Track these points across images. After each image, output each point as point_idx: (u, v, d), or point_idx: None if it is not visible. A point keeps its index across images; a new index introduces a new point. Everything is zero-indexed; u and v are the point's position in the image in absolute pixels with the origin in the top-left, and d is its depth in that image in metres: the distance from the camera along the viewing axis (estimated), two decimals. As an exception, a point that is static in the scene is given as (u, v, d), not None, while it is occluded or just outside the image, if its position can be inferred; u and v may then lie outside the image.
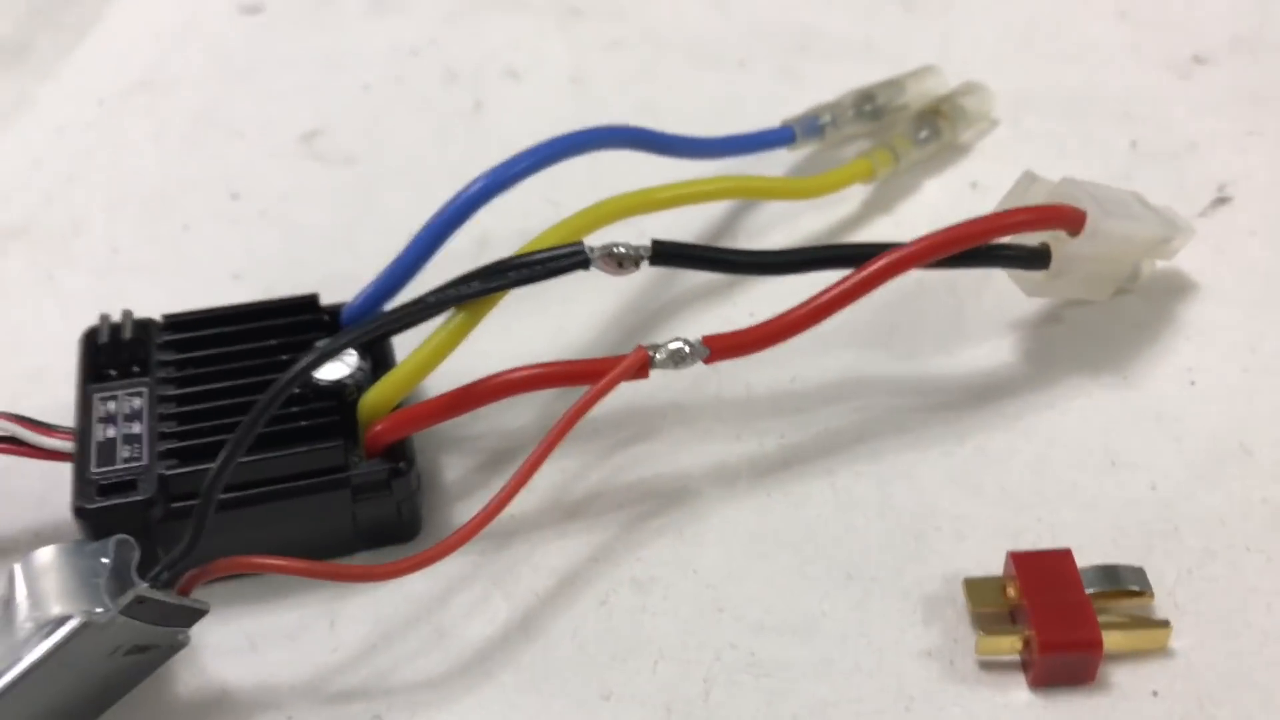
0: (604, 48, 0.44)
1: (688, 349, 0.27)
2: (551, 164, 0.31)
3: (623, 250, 0.28)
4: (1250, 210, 0.35)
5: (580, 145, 0.32)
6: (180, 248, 0.37)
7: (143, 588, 0.24)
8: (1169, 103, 0.39)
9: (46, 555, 0.25)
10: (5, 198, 0.39)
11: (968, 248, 0.28)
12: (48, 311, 0.35)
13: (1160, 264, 0.33)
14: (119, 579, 0.24)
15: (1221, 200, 0.36)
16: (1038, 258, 0.29)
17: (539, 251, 0.28)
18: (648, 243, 0.28)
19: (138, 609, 0.24)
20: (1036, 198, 0.30)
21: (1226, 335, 0.32)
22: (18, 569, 0.25)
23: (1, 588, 0.25)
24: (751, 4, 0.45)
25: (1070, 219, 0.29)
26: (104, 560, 0.25)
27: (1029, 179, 0.31)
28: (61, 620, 0.23)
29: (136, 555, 0.25)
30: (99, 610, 0.23)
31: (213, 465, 0.24)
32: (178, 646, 0.26)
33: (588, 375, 0.27)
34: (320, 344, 0.27)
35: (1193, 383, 0.31)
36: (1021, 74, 0.41)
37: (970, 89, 0.39)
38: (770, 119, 0.37)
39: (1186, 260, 0.34)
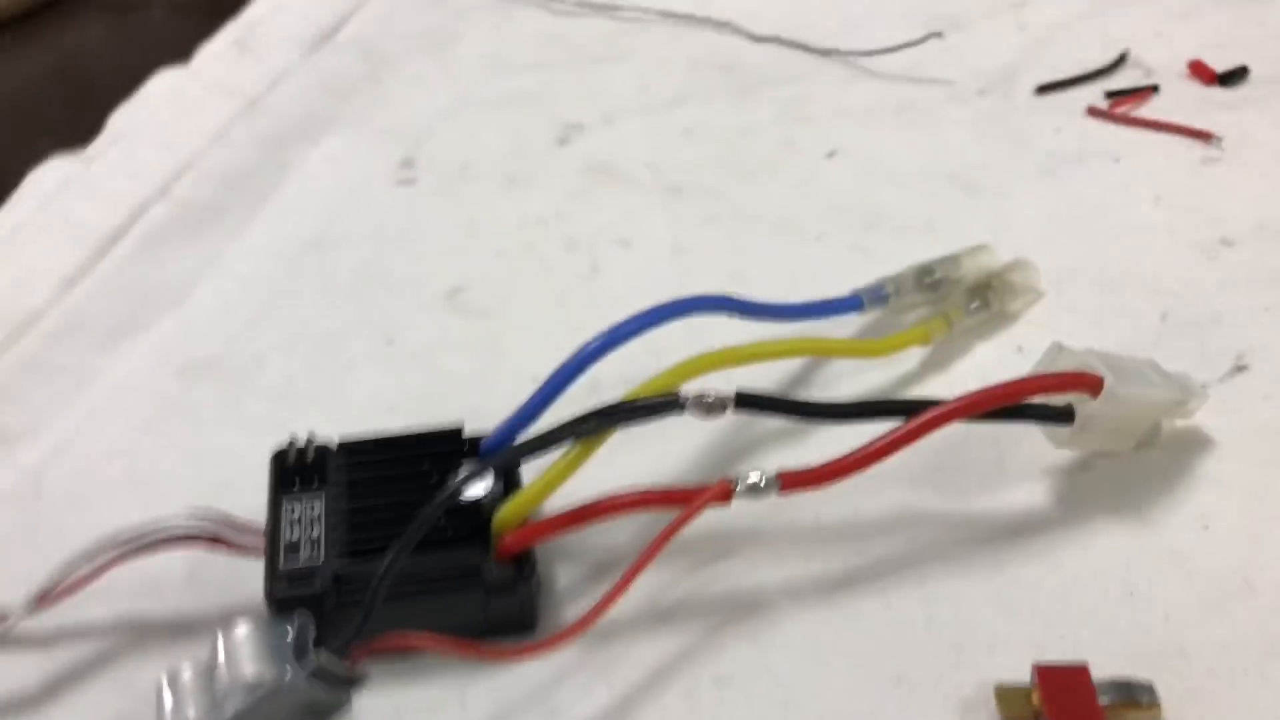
0: (700, 222, 0.51)
1: (763, 482, 0.33)
2: (656, 326, 0.38)
3: (710, 399, 0.34)
4: (1265, 377, 0.40)
5: (680, 311, 0.38)
6: (344, 383, 0.45)
7: (324, 656, 0.30)
8: (1197, 280, 0.44)
9: (242, 628, 0.31)
10: (202, 337, 0.47)
11: (1001, 405, 0.34)
12: (234, 433, 0.43)
13: (1180, 423, 0.38)
14: (300, 648, 0.31)
15: (1240, 368, 0.41)
16: (1063, 415, 0.35)
17: (642, 398, 0.34)
18: (733, 391, 0.34)
19: (320, 673, 0.30)
20: (1063, 365, 0.36)
21: (1239, 487, 0.37)
22: (219, 638, 0.31)
23: (205, 654, 0.32)
24: (829, 186, 0.52)
25: (1089, 384, 0.34)
26: (287, 635, 0.31)
27: (1056, 349, 0.36)
28: (261, 681, 0.30)
29: (314, 631, 0.31)
30: (289, 674, 0.30)
31: (381, 563, 0.31)
32: (341, 707, 0.32)
33: (679, 501, 0.33)
34: (467, 467, 0.34)
35: (1206, 527, 0.36)
36: (1066, 252, 0.46)
37: (1018, 265, 0.44)
38: (841, 287, 0.43)
39: (1208, 420, 0.39)
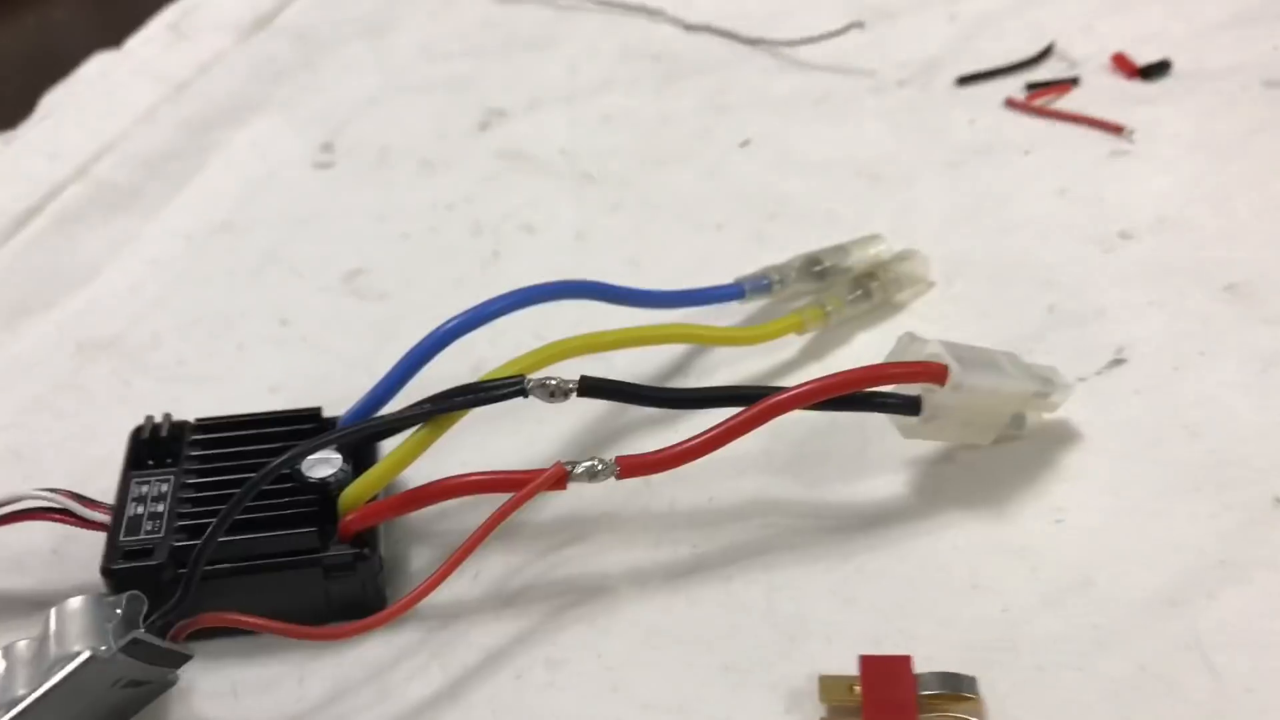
0: (607, 209, 0.51)
1: (600, 466, 0.33)
2: (523, 308, 0.38)
3: (554, 383, 0.34)
4: (1140, 371, 0.40)
5: (548, 294, 0.39)
6: (233, 364, 0.45)
7: (139, 632, 0.30)
8: (1089, 273, 0.44)
9: (74, 604, 0.31)
10: (105, 316, 0.48)
11: (845, 393, 0.34)
12: (120, 410, 0.43)
13: (1047, 415, 0.38)
14: (126, 625, 0.31)
15: (1117, 361, 0.40)
16: (910, 405, 0.35)
17: (487, 381, 0.34)
18: (576, 377, 0.34)
19: (134, 649, 0.30)
20: (914, 355, 0.35)
21: (1097, 481, 0.36)
22: (51, 613, 0.31)
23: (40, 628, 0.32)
24: (738, 176, 0.52)
25: (934, 373, 0.34)
26: (117, 610, 0.31)
27: (908, 338, 0.36)
28: (76, 655, 0.30)
29: (144, 608, 0.31)
30: (104, 648, 0.30)
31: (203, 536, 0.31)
32: (168, 684, 0.32)
33: (514, 484, 0.33)
34: (299, 446, 0.34)
35: (1059, 520, 0.35)
36: (962, 243, 0.46)
37: (907, 255, 0.44)
38: (734, 277, 0.44)
39: (1078, 413, 0.38)
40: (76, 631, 0.31)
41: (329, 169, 0.55)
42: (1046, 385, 0.36)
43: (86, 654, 0.29)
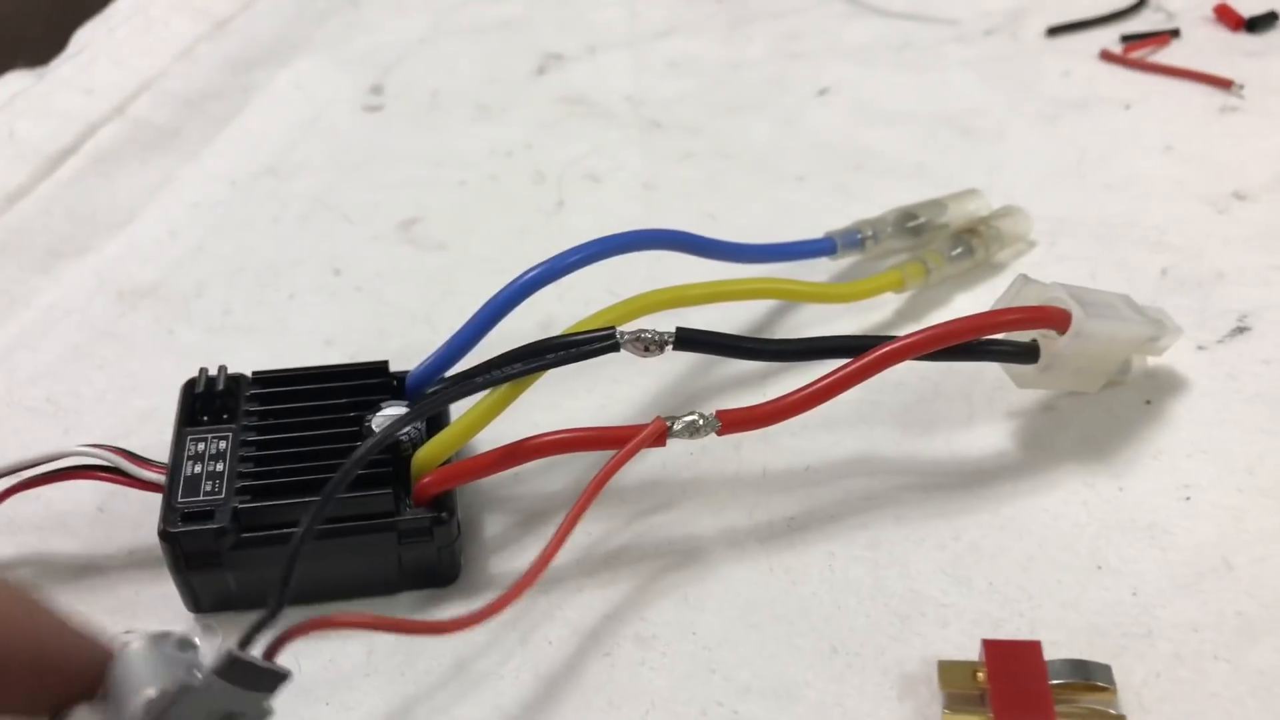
0: (677, 159, 0.48)
1: (701, 421, 0.30)
2: (601, 259, 0.35)
3: (649, 335, 0.31)
4: (1267, 340, 0.37)
5: (629, 244, 0.36)
6: (284, 314, 0.42)
7: (233, 648, 0.25)
8: (1203, 234, 0.41)
9: (135, 649, 0.25)
10: (144, 261, 0.45)
11: (960, 342, 0.31)
12: (164, 361, 0.40)
13: (1152, 361, 0.35)
14: (195, 656, 0.25)
15: (1240, 329, 0.37)
16: (1028, 353, 0.32)
17: (575, 334, 0.31)
18: (672, 329, 0.32)
19: (230, 670, 0.24)
20: (1029, 300, 0.32)
21: (1228, 457, 0.34)
22: (111, 667, 0.25)
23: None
24: (816, 126, 0.49)
25: (1056, 319, 0.31)
26: (194, 642, 0.25)
27: (1022, 281, 0.33)
28: (162, 696, 0.24)
29: (219, 637, 0.26)
30: (197, 673, 0.24)
31: (294, 532, 0.27)
32: (265, 715, 0.26)
33: (612, 441, 0.30)
34: (391, 411, 0.31)
35: (1188, 498, 0.33)
36: (1064, 201, 0.43)
37: (1009, 212, 0.41)
38: (819, 231, 0.41)
39: (1203, 383, 0.36)
40: (149, 675, 0.24)
41: (378, 112, 0.52)
42: (1159, 329, 0.34)
43: (179, 684, 0.24)
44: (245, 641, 0.25)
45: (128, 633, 0.25)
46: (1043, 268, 0.41)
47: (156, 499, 0.32)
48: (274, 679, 0.26)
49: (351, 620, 0.27)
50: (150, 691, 0.24)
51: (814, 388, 0.31)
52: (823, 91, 0.50)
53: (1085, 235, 0.42)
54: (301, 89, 0.54)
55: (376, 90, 0.53)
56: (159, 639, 0.25)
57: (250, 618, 0.28)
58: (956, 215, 0.41)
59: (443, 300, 0.42)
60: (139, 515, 0.34)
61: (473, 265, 0.44)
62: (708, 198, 0.46)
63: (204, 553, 0.30)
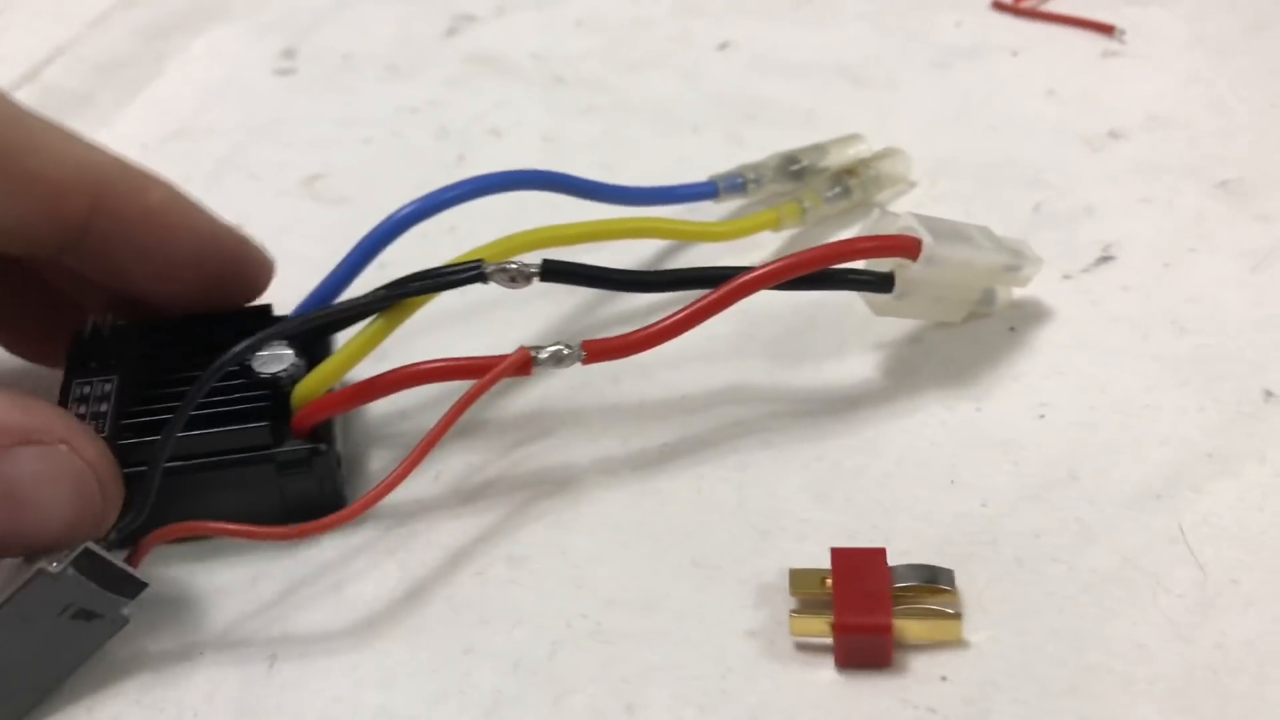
0: (578, 113, 0.49)
1: (566, 350, 0.31)
2: (477, 197, 0.36)
3: (515, 267, 0.32)
4: (1129, 268, 0.38)
5: (506, 183, 0.37)
6: (186, 268, 0.43)
7: (90, 544, 0.27)
8: (1077, 172, 0.42)
9: None
10: (52, 223, 0.46)
11: (814, 270, 0.32)
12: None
13: (1017, 292, 0.37)
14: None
15: (1105, 259, 0.39)
16: (884, 281, 0.33)
17: (444, 266, 0.32)
18: (539, 260, 0.33)
19: (86, 565, 0.27)
20: (884, 231, 0.34)
21: (1083, 377, 0.35)
22: None
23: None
24: (715, 79, 0.50)
25: (906, 246, 0.32)
26: None
27: (879, 213, 0.34)
28: (21, 576, 0.26)
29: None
30: (54, 564, 0.27)
31: (159, 436, 0.29)
32: (120, 623, 0.29)
33: (477, 370, 0.31)
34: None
35: (1042, 416, 0.34)
36: (948, 144, 0.44)
37: (889, 154, 0.42)
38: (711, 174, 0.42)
39: (1065, 309, 0.37)
40: (14, 562, 0.27)
41: (290, 75, 0.53)
42: (1018, 258, 0.35)
43: (34, 569, 0.27)
44: (105, 541, 0.27)
45: None
46: (920, 206, 0.42)
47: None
48: (133, 585, 0.28)
49: (209, 528, 0.29)
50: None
51: (675, 317, 0.32)
52: (723, 46, 0.51)
53: (965, 175, 0.43)
54: (214, 54, 0.55)
55: (289, 54, 0.54)
56: None
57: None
58: (837, 158, 0.42)
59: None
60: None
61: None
62: (605, 150, 0.47)
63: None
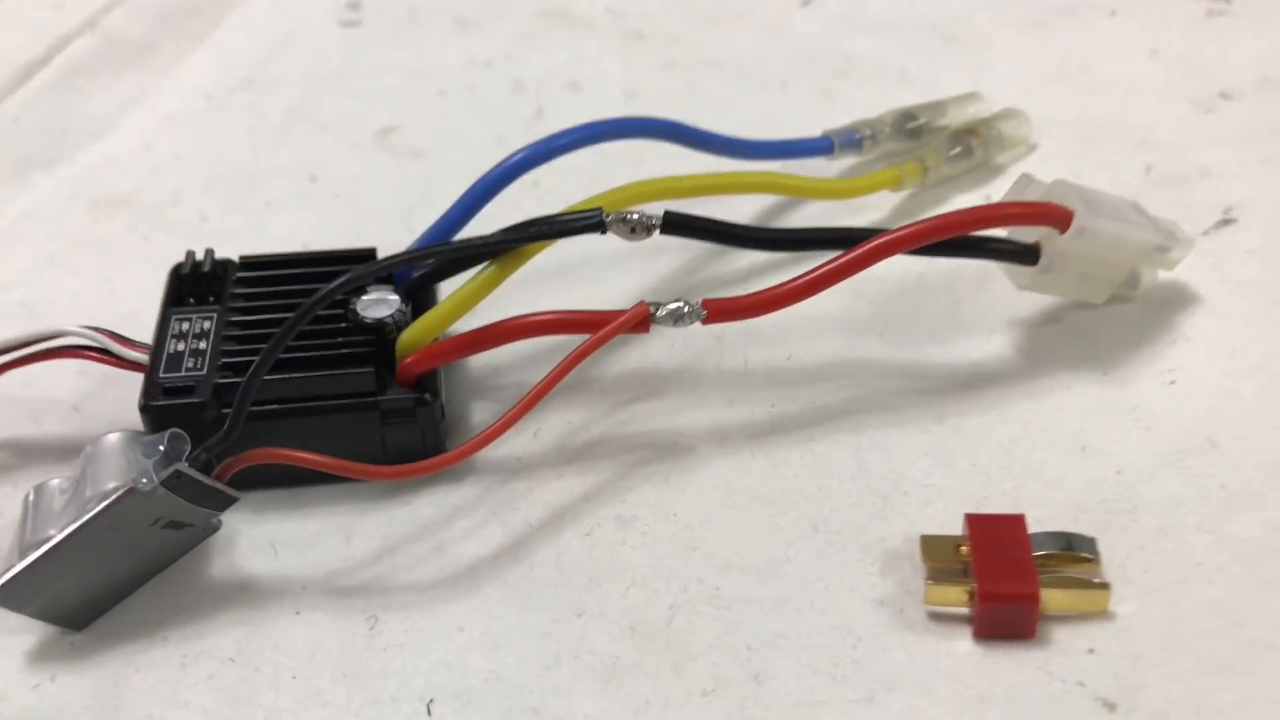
0: (659, 67, 0.47)
1: (687, 308, 0.30)
2: (591, 144, 0.35)
3: (636, 218, 0.31)
4: (1252, 231, 0.37)
5: (619, 130, 0.35)
6: (260, 221, 0.42)
7: (181, 465, 0.27)
8: (1188, 133, 0.41)
9: (112, 439, 0.29)
10: (118, 172, 0.44)
11: (955, 235, 0.30)
12: (140, 267, 0.40)
13: (1163, 274, 0.35)
14: (169, 461, 0.28)
15: (1226, 221, 0.37)
16: (1028, 253, 0.31)
17: (560, 214, 0.31)
18: (660, 212, 0.31)
19: (176, 484, 0.27)
20: (1031, 197, 0.32)
21: (1211, 342, 0.33)
22: (86, 449, 0.29)
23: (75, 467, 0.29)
24: (800, 34, 0.48)
25: (1057, 216, 0.31)
26: (160, 448, 0.29)
27: (1026, 180, 0.33)
28: (114, 490, 0.27)
29: (187, 448, 0.28)
30: (145, 481, 0.27)
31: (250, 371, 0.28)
32: (211, 530, 0.29)
33: (595, 324, 0.30)
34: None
35: (1172, 382, 0.32)
36: (1048, 104, 0.42)
37: (1010, 115, 0.41)
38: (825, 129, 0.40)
39: (1187, 274, 0.35)
40: (114, 468, 0.28)
41: (356, 27, 0.52)
42: (1169, 239, 0.33)
43: (127, 486, 0.27)
44: (194, 459, 0.27)
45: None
46: (1031, 168, 0.40)
47: (131, 396, 0.32)
48: (222, 499, 0.28)
49: (299, 456, 0.28)
50: (108, 485, 0.27)
51: (805, 279, 0.30)
52: (805, 2, 0.50)
53: (1070, 137, 0.41)
54: (277, 4, 0.53)
55: (353, 6, 0.53)
56: (134, 440, 0.29)
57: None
58: (957, 117, 0.41)
59: (421, 205, 0.42)
60: (112, 414, 0.34)
61: (450, 172, 0.43)
62: (691, 105, 0.45)
63: (184, 426, 0.30)
